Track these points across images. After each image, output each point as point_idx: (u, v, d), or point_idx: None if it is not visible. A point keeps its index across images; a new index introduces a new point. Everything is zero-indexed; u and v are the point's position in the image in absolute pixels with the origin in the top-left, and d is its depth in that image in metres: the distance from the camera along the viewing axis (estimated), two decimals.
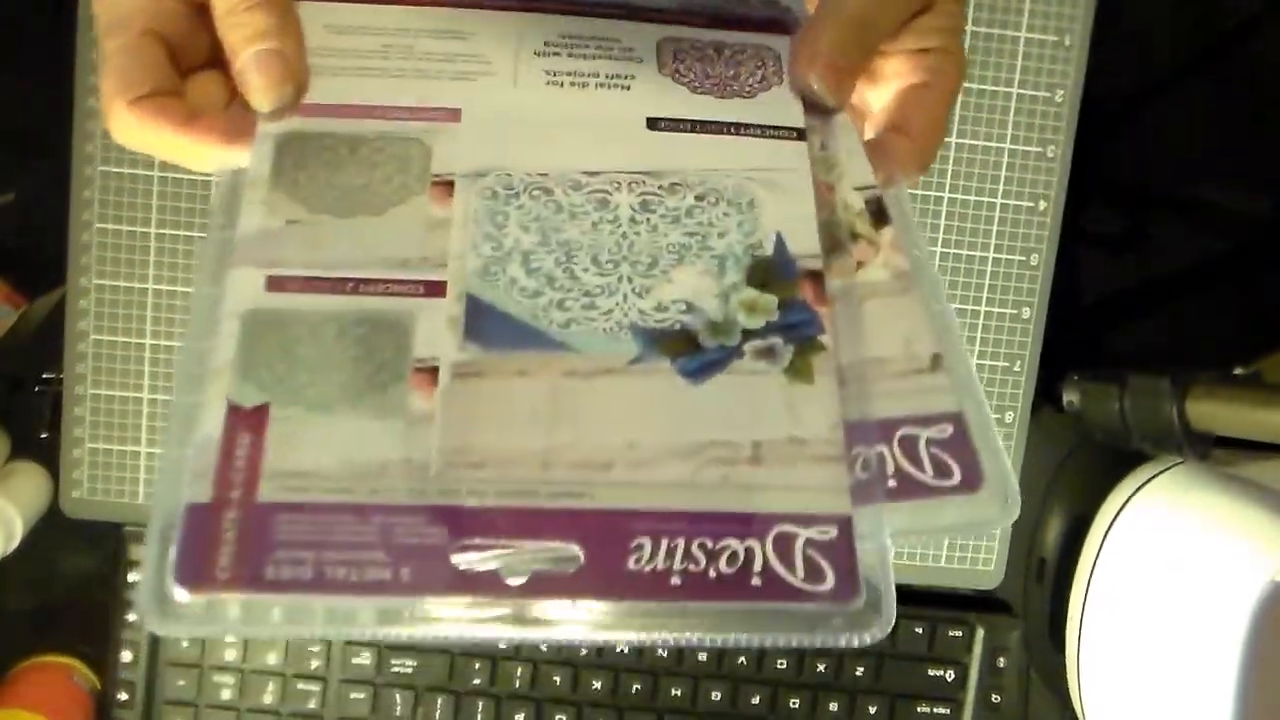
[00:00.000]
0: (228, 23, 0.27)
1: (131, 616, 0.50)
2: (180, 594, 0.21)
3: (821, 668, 0.52)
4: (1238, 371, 0.51)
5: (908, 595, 0.53)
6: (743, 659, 0.52)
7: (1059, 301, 0.52)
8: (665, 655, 0.52)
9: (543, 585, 0.22)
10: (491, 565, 0.22)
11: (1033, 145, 0.50)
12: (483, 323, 0.25)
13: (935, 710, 0.53)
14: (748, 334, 0.25)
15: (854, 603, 0.22)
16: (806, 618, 0.23)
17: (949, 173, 0.51)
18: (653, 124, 0.28)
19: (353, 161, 0.27)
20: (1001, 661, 0.53)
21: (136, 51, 0.27)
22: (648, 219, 0.27)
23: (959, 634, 0.53)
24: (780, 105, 0.29)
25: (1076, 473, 0.54)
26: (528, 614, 0.23)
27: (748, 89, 0.29)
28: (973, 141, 0.50)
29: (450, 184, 0.27)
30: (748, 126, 0.28)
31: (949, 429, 0.24)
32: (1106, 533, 0.51)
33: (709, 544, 0.22)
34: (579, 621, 0.23)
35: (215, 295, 0.25)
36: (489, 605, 0.22)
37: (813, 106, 0.29)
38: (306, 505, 0.22)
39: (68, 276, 0.49)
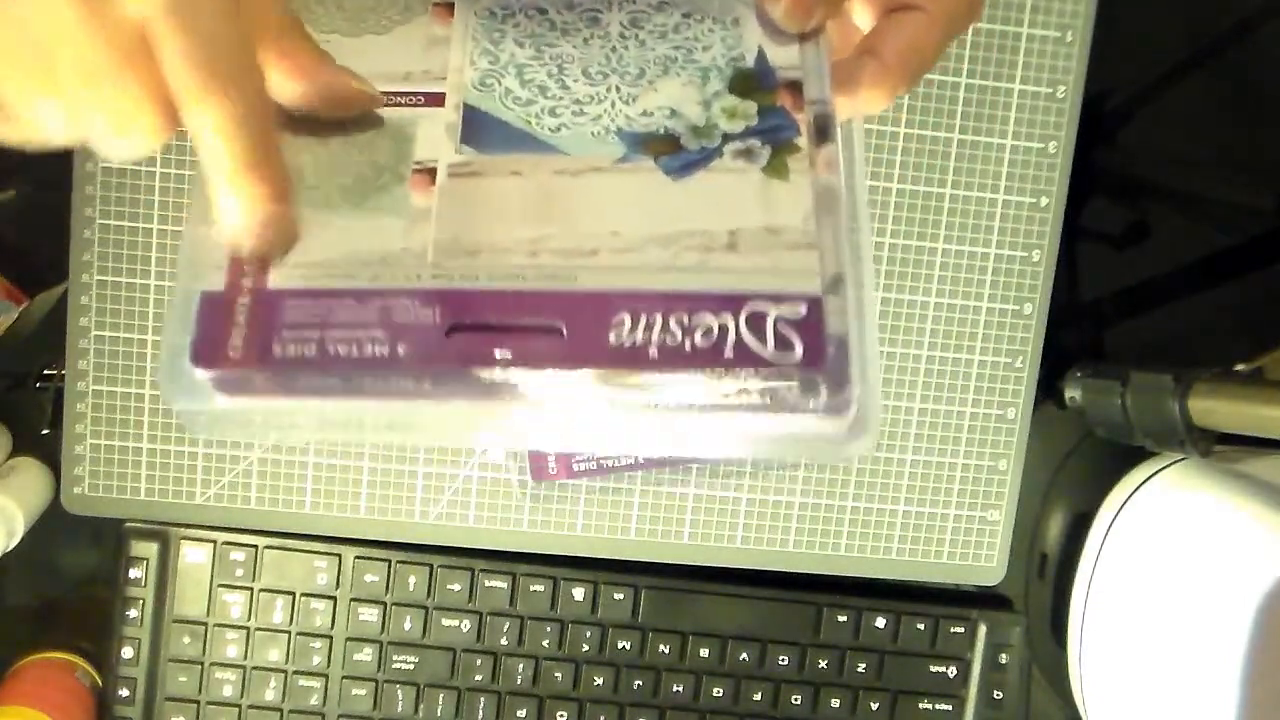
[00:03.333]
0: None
1: (133, 613, 0.50)
2: (196, 372, 0.24)
3: (823, 664, 0.52)
4: (1240, 368, 0.51)
5: (909, 592, 0.53)
6: (745, 655, 0.52)
7: (1061, 298, 0.52)
8: (667, 652, 0.52)
9: (528, 356, 0.24)
10: (482, 344, 0.24)
11: (1035, 141, 0.50)
12: (478, 129, 0.27)
13: (937, 706, 0.53)
14: (728, 137, 0.27)
15: (820, 371, 0.24)
16: (783, 400, 0.24)
17: (951, 168, 0.51)
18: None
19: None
20: (1003, 658, 0.53)
21: None
22: (636, 34, 0.29)
23: (961, 630, 0.53)
24: None
25: (1078, 469, 0.54)
26: (513, 392, 0.24)
27: None
28: (974, 138, 0.50)
29: (450, 5, 0.29)
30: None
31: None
32: (1108, 529, 0.51)
33: (685, 319, 0.24)
34: (562, 396, 0.24)
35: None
36: (482, 395, 0.24)
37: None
38: (312, 291, 0.24)
39: (69, 272, 0.49)
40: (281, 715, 0.51)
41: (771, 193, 0.26)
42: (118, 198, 0.48)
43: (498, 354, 0.24)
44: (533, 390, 0.24)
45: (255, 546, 0.50)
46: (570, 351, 0.24)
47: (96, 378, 0.49)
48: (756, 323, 0.24)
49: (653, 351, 0.24)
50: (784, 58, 0.28)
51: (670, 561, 0.52)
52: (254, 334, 0.24)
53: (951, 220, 0.51)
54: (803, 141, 0.26)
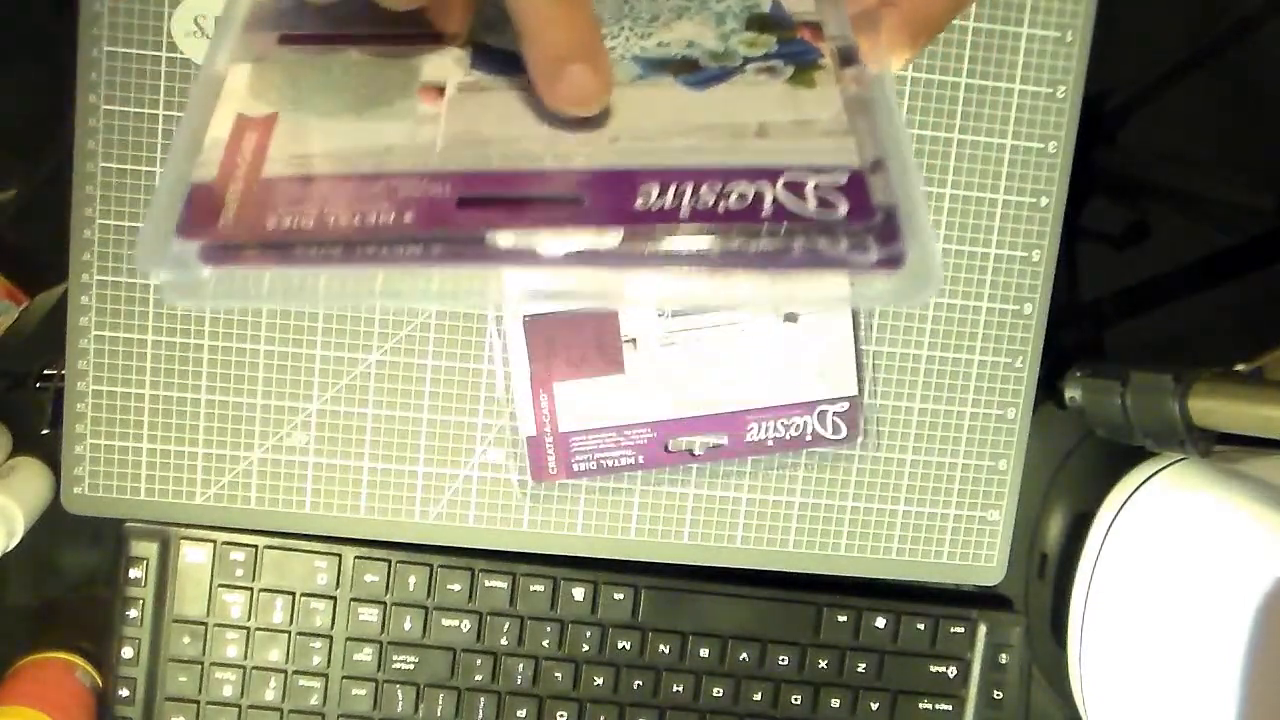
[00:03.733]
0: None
1: (133, 613, 0.50)
2: (179, 243, 0.22)
3: (823, 664, 0.52)
4: (1240, 368, 0.51)
5: (909, 592, 0.53)
6: (745, 655, 0.52)
7: (1061, 297, 0.52)
8: (667, 652, 0.52)
9: (543, 216, 0.22)
10: (494, 215, 0.22)
11: (1034, 141, 0.50)
12: (489, 58, 0.26)
13: (937, 706, 0.53)
14: (748, 60, 0.26)
15: (871, 223, 0.22)
16: (828, 255, 0.22)
17: (950, 168, 0.51)
18: None
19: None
20: (1003, 658, 0.53)
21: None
22: None
23: (961, 630, 0.53)
24: None
25: (1078, 469, 0.54)
26: (523, 250, 0.22)
27: None
28: (974, 137, 0.50)
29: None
30: None
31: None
32: (1108, 529, 0.51)
33: (718, 186, 0.22)
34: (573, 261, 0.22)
35: (220, 70, 0.25)
36: (496, 259, 0.22)
37: None
38: (311, 176, 0.23)
39: (69, 272, 0.49)
40: (281, 715, 0.51)
41: (799, 97, 0.25)
42: (118, 198, 0.48)
43: (510, 220, 0.22)
44: (549, 254, 0.22)
45: (255, 546, 0.50)
46: (592, 215, 0.22)
47: (96, 378, 0.49)
48: (795, 188, 0.22)
49: (684, 213, 0.22)
50: (800, 4, 0.27)
51: (670, 561, 0.52)
52: (247, 210, 0.22)
53: (951, 220, 0.51)
54: (827, 63, 0.25)
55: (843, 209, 0.22)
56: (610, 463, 0.50)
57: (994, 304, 0.51)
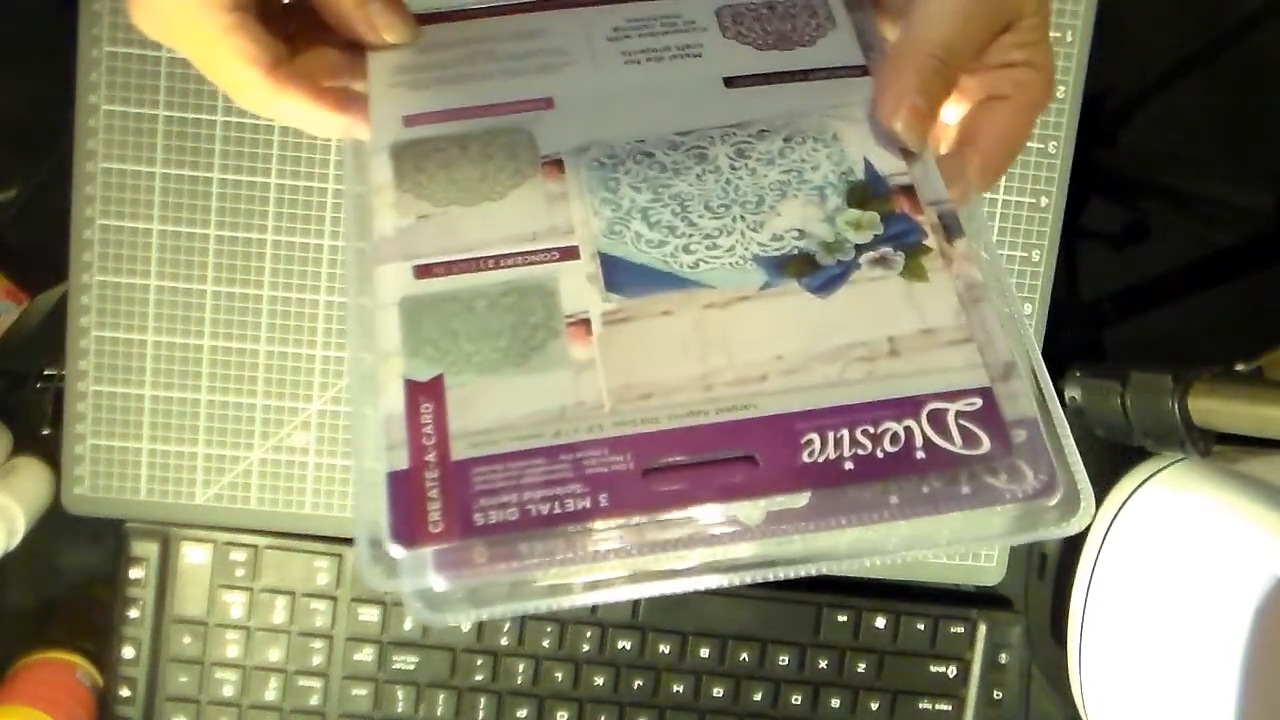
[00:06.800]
0: None
1: (133, 613, 0.50)
2: (397, 551, 0.23)
3: (823, 664, 0.52)
4: (1240, 367, 0.51)
5: (909, 592, 0.53)
6: (744, 655, 0.52)
7: (1061, 298, 0.52)
8: (667, 652, 0.52)
9: (728, 488, 0.24)
10: (678, 484, 0.24)
11: (1034, 141, 0.50)
12: (619, 275, 0.27)
13: (937, 706, 0.53)
14: (860, 248, 0.27)
15: (1010, 458, 0.25)
16: (989, 493, 0.25)
17: None
18: (729, 83, 0.31)
19: (466, 158, 0.29)
20: (1003, 658, 0.53)
21: (250, 29, 0.28)
22: (745, 164, 0.29)
23: (960, 630, 0.53)
24: (840, 47, 0.32)
25: None
26: (717, 540, 0.25)
27: (806, 38, 0.32)
28: None
29: (559, 162, 0.29)
30: (815, 71, 0.31)
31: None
32: (1108, 529, 0.51)
33: (871, 429, 0.25)
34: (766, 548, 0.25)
35: (366, 303, 0.27)
36: (682, 542, 0.24)
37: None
38: (499, 456, 0.24)
39: (69, 272, 0.49)
40: (281, 715, 0.51)
41: (916, 295, 0.27)
42: (118, 198, 0.49)
43: (701, 491, 0.24)
44: (751, 524, 0.25)
45: (255, 546, 0.50)
46: (767, 477, 0.24)
47: (96, 378, 0.49)
48: (938, 421, 0.25)
49: (848, 465, 0.24)
50: (890, 165, 0.29)
51: None
52: (450, 506, 0.24)
53: None
54: (931, 241, 0.27)
55: (985, 444, 0.25)
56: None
57: None
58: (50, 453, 0.50)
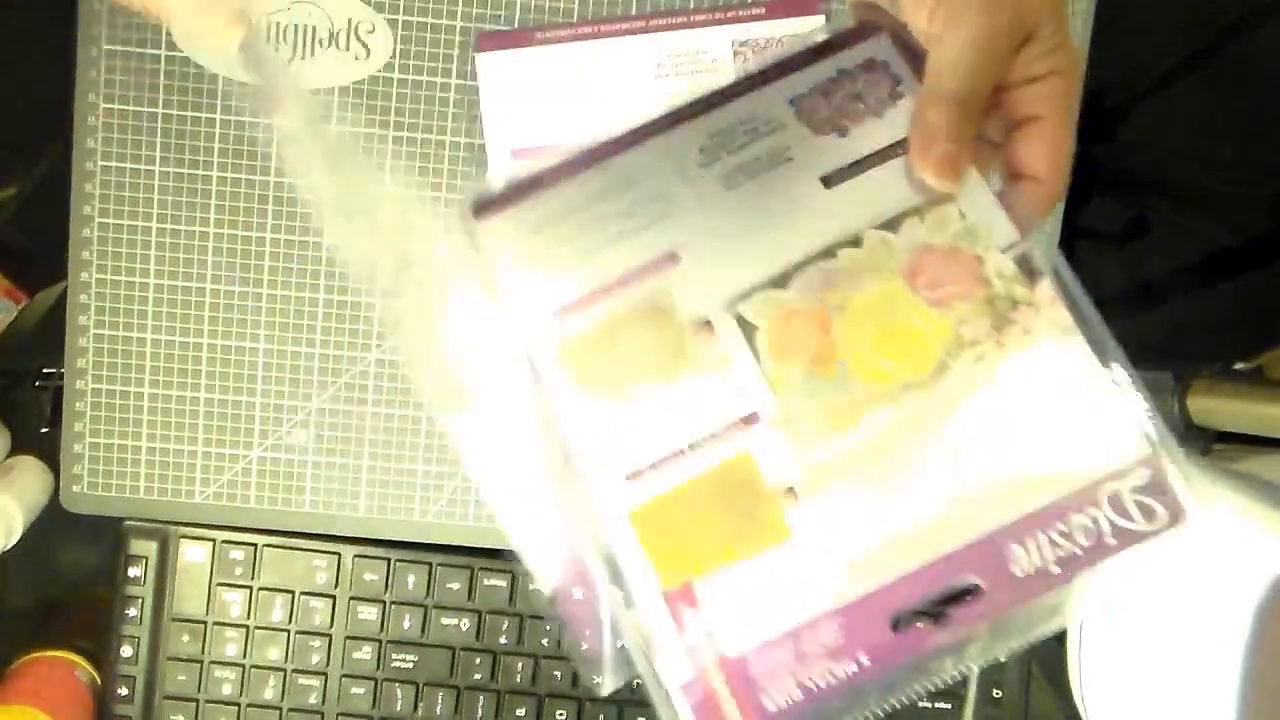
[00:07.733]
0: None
1: (132, 611, 0.50)
2: None
3: None
4: (1239, 366, 0.51)
5: None
6: None
7: None
8: None
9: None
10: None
11: None
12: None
13: (936, 705, 0.53)
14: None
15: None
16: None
17: None
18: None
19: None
20: (1003, 657, 0.53)
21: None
22: None
23: None
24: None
25: None
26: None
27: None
28: None
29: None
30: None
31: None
32: None
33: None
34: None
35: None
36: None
37: None
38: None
39: (69, 271, 0.49)
40: (281, 714, 0.51)
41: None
42: (117, 197, 0.49)
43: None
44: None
45: (254, 545, 0.50)
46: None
47: (96, 377, 0.49)
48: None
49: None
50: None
51: None
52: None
53: None
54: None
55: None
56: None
57: None
58: (49, 451, 0.50)
